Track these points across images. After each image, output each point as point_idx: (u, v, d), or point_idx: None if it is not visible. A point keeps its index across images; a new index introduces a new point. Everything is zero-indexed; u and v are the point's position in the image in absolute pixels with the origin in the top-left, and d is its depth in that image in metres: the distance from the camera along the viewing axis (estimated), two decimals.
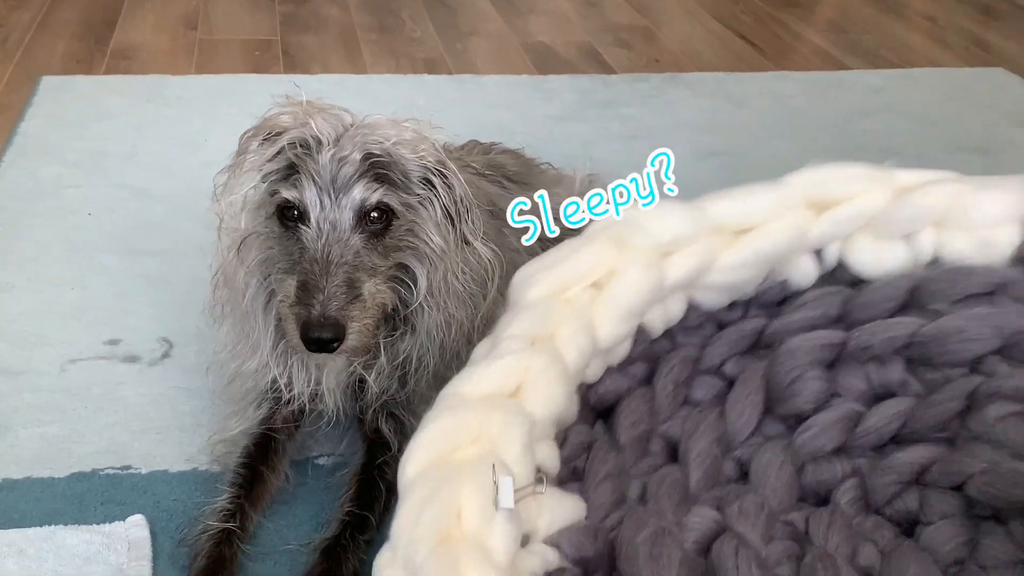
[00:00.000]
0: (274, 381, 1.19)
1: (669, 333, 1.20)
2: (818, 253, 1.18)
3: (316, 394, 1.20)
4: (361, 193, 1.07)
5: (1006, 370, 1.11)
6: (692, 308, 1.19)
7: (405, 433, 1.17)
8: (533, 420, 0.98)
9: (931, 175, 1.18)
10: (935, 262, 1.17)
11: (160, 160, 1.97)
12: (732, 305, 1.21)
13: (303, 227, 1.07)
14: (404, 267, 1.14)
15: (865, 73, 2.62)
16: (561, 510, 1.00)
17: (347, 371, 1.19)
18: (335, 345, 1.03)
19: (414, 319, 1.17)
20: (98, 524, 1.13)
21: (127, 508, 1.16)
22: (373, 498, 1.12)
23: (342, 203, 1.07)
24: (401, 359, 1.18)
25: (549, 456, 1.03)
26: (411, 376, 1.20)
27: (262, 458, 1.18)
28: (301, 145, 1.09)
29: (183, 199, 1.78)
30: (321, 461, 1.26)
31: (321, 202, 1.07)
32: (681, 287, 1.15)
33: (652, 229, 1.12)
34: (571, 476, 1.08)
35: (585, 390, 1.13)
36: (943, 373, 1.13)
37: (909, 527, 1.08)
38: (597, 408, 1.15)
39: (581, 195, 1.63)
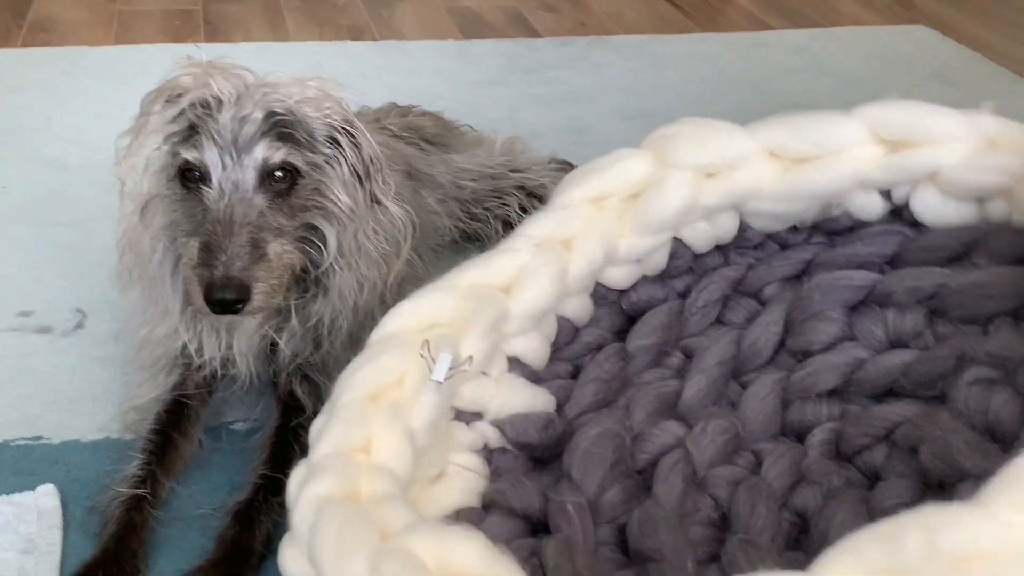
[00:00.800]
0: (184, 347, 1.18)
1: (723, 250, 1.22)
2: (887, 191, 1.17)
3: (228, 359, 1.19)
4: (263, 152, 1.06)
5: (1003, 334, 1.08)
6: (748, 228, 1.21)
7: (320, 396, 1.17)
8: (506, 311, 1.04)
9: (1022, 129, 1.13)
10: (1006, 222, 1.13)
11: (76, 131, 1.94)
12: (796, 228, 1.22)
13: (205, 188, 1.06)
14: (313, 228, 1.13)
15: (788, 33, 2.64)
16: (517, 398, 1.07)
17: (259, 334, 1.18)
18: (240, 306, 1.02)
19: (326, 280, 1.16)
20: (7, 495, 1.11)
21: (38, 478, 1.14)
22: (287, 460, 1.11)
23: (244, 163, 1.06)
24: (314, 321, 1.18)
25: (528, 349, 1.10)
26: (325, 338, 1.19)
27: (174, 424, 1.17)
28: (202, 105, 1.07)
29: (99, 170, 1.72)
30: (236, 426, 1.25)
31: (223, 162, 1.05)
32: (726, 208, 1.17)
33: (697, 148, 1.13)
34: (572, 373, 1.15)
35: (618, 296, 1.18)
36: (956, 328, 1.11)
37: (873, 481, 1.08)
38: (631, 315, 1.20)
39: (504, 156, 1.67)
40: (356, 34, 2.51)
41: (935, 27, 2.66)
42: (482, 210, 1.59)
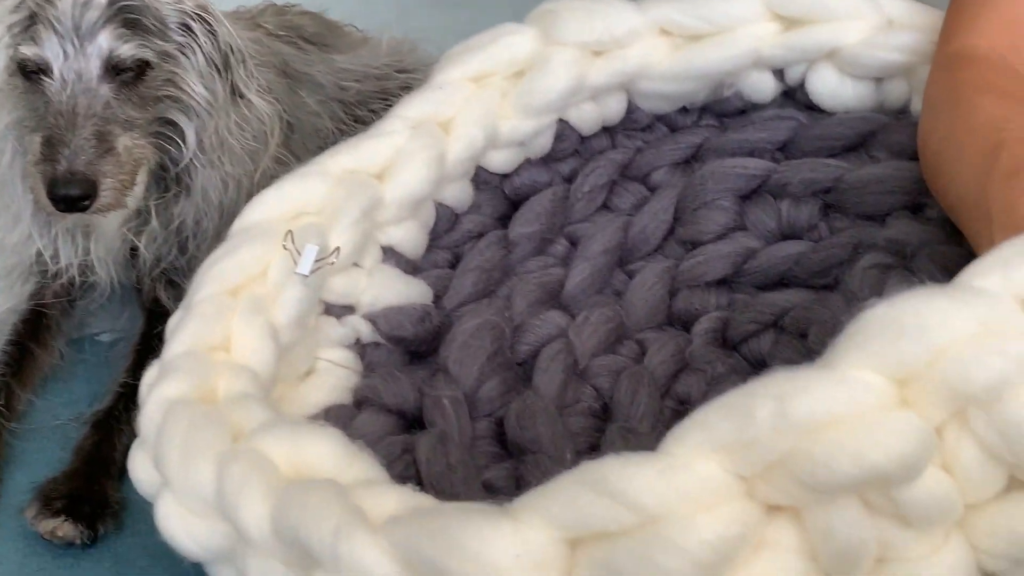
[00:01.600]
0: (39, 253, 1.12)
1: (610, 132, 1.18)
2: (780, 72, 1.14)
3: (86, 265, 1.13)
4: (108, 40, 1.00)
5: (901, 223, 1.05)
6: (637, 109, 1.17)
7: None
8: (380, 199, 1.00)
9: (925, 14, 1.10)
10: (904, 112, 1.12)
11: None
12: (686, 110, 1.18)
13: (47, 80, 1.00)
14: (170, 123, 1.08)
15: None
16: (391, 290, 1.03)
17: (118, 238, 1.13)
18: (86, 203, 0.97)
19: (187, 179, 1.11)
20: None
21: None
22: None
23: (87, 52, 1.00)
24: (176, 223, 1.13)
25: (404, 238, 1.05)
26: (189, 241, 1.14)
27: (32, 335, 1.12)
28: None
29: None
30: (102, 337, 1.20)
31: (64, 52, 0.99)
32: (615, 88, 1.13)
33: (584, 24, 1.09)
34: (451, 262, 1.11)
35: (500, 180, 1.14)
36: (852, 222, 1.08)
37: (759, 368, 1.05)
38: (514, 200, 1.15)
39: (390, 57, 1.61)
40: None
41: None
42: (367, 112, 1.52)
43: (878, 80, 1.11)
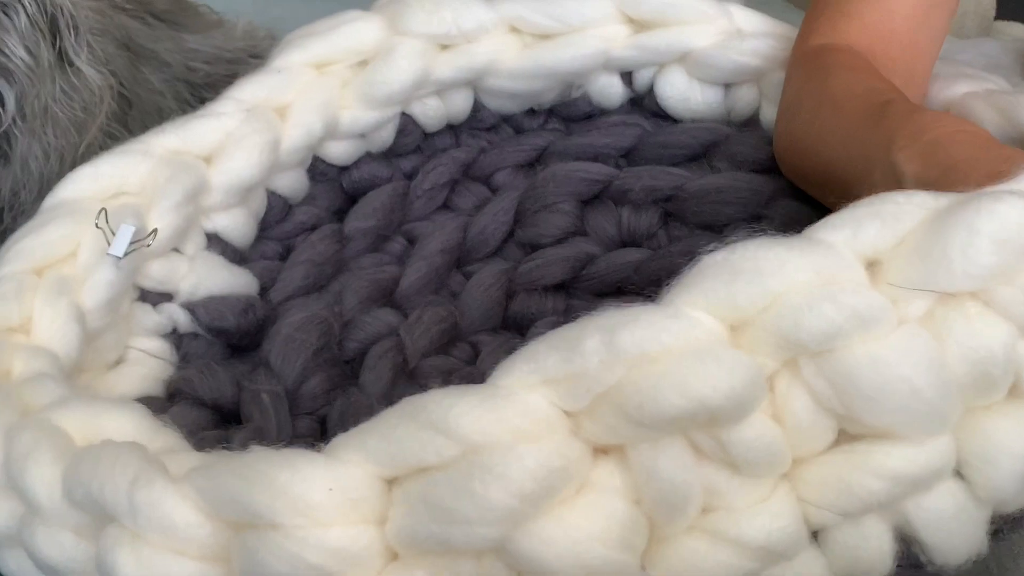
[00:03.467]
0: None
1: (454, 131, 1.16)
2: (630, 76, 1.13)
3: None
4: None
5: (739, 234, 1.03)
6: (483, 108, 1.14)
7: None
8: (206, 183, 0.96)
9: (774, 25, 1.11)
10: (751, 123, 1.11)
11: None
12: (533, 112, 1.17)
13: None
14: None
15: None
16: (214, 279, 0.99)
17: None
18: None
19: (6, 147, 1.04)
20: None
21: None
22: None
23: None
24: None
25: (231, 225, 1.01)
26: (6, 213, 1.08)
27: None
28: None
29: None
30: None
31: None
32: (461, 84, 1.11)
33: (432, 15, 1.06)
34: (282, 254, 1.08)
35: (338, 173, 1.11)
36: (691, 231, 1.07)
37: None
38: (351, 194, 1.12)
39: (244, 41, 1.56)
40: None
41: None
42: (215, 95, 1.46)
43: (727, 86, 1.12)
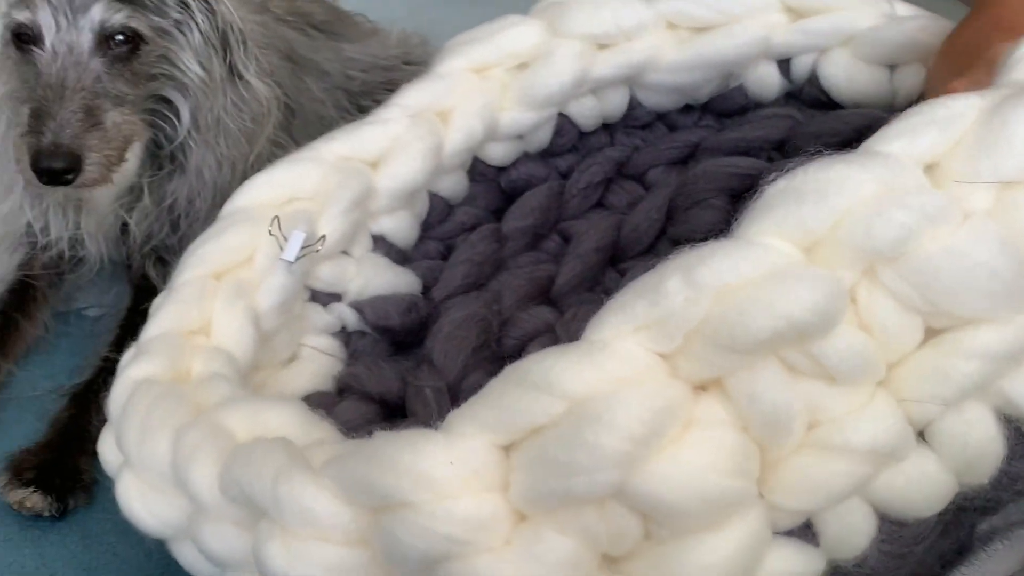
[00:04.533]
0: (29, 225, 1.11)
1: (609, 129, 1.17)
2: (787, 66, 1.12)
3: (76, 239, 1.13)
4: (101, 13, 0.99)
5: None
6: (639, 106, 1.15)
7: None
8: (373, 188, 0.99)
9: (927, 13, 1.09)
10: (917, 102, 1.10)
11: None
12: (688, 108, 1.17)
13: (38, 51, 0.99)
14: (166, 101, 1.07)
15: None
16: (380, 279, 1.02)
17: (110, 213, 1.12)
18: (70, 177, 0.96)
19: (181, 157, 1.10)
20: None
21: None
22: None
23: (80, 24, 0.99)
24: (169, 201, 1.12)
25: (396, 228, 1.04)
26: (182, 220, 1.13)
27: (17, 305, 1.11)
28: None
29: None
30: (89, 312, 1.19)
31: (56, 23, 0.99)
32: (619, 82, 1.12)
33: (591, 16, 1.07)
34: (443, 253, 1.10)
35: (496, 173, 1.13)
36: None
37: None
38: (509, 194, 1.14)
39: (398, 49, 1.61)
40: None
41: None
42: (372, 102, 1.51)
43: (893, 68, 1.09)
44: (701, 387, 0.57)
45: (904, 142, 0.61)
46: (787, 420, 0.56)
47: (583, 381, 0.55)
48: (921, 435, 0.60)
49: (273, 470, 0.60)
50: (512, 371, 0.58)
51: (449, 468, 0.55)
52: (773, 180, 0.61)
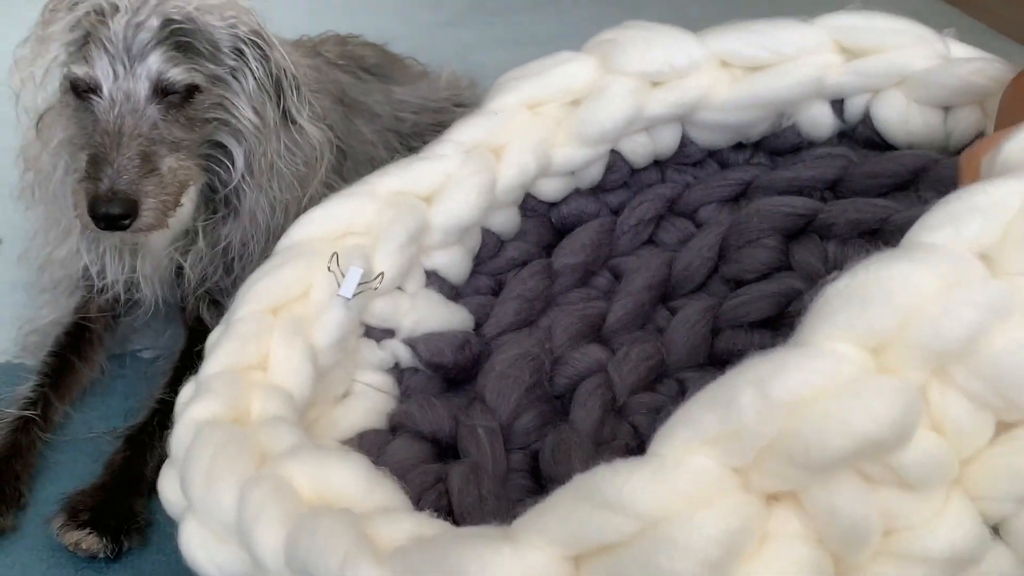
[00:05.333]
0: (86, 268, 1.13)
1: (661, 166, 1.17)
2: (840, 106, 1.12)
3: (132, 282, 1.14)
4: (157, 62, 1.01)
5: None
6: (691, 143, 1.15)
7: None
8: (427, 223, 0.99)
9: (987, 53, 1.09)
10: (972, 143, 1.07)
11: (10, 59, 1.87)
12: (740, 146, 1.17)
13: (96, 99, 1.01)
14: (220, 145, 1.08)
15: None
16: (433, 316, 1.02)
17: (165, 257, 1.13)
18: (127, 222, 0.98)
19: (235, 201, 1.11)
20: None
21: None
22: None
23: (137, 73, 1.01)
24: (223, 244, 1.13)
25: (449, 263, 1.04)
26: (235, 262, 1.14)
27: (73, 348, 1.12)
28: (97, 13, 1.03)
29: None
30: (144, 354, 1.20)
31: (114, 72, 1.01)
32: (671, 120, 1.12)
33: (644, 53, 1.08)
34: (494, 289, 1.10)
35: (548, 208, 1.13)
36: None
37: None
38: (560, 229, 1.15)
39: (448, 91, 1.62)
40: None
41: None
42: (423, 144, 1.50)
43: (947, 109, 1.08)
44: (774, 497, 0.56)
45: (950, 232, 0.60)
46: (864, 531, 0.55)
47: (656, 500, 0.54)
48: (995, 530, 0.58)
49: (340, 554, 0.60)
50: (582, 483, 0.57)
51: None
52: (833, 279, 0.60)
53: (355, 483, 0.70)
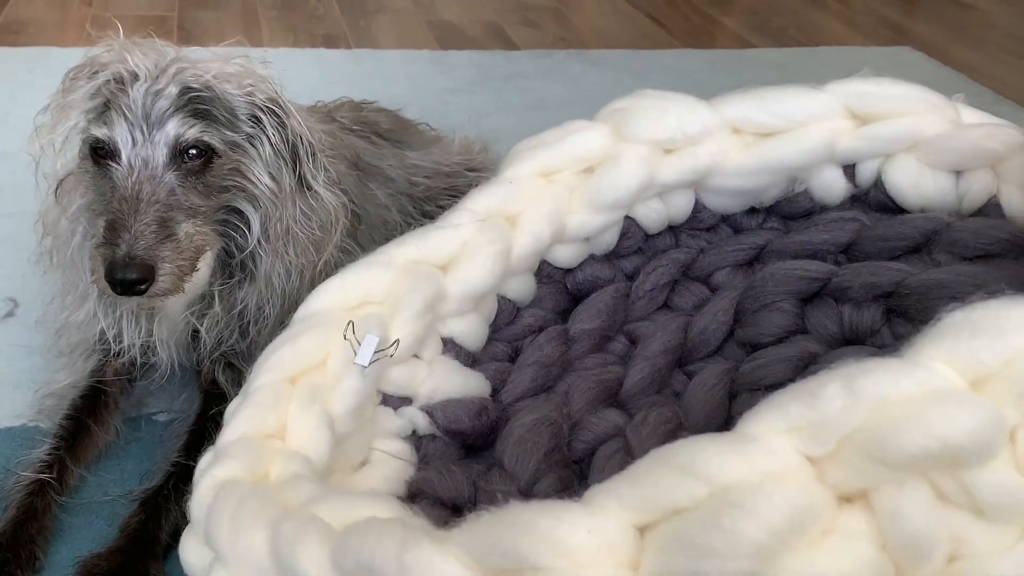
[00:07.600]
0: (103, 332, 1.13)
1: (674, 232, 1.18)
2: (852, 171, 1.14)
3: (148, 345, 1.14)
4: (176, 129, 1.02)
5: None
6: (704, 209, 1.16)
7: (243, 384, 1.11)
8: (443, 292, 1.00)
9: (998, 119, 1.11)
10: (983, 211, 1.10)
11: (32, 125, 1.89)
12: (753, 211, 1.18)
13: (114, 165, 1.02)
14: (236, 211, 1.09)
15: (769, 51, 2.60)
16: (450, 382, 1.02)
17: (181, 321, 1.13)
18: (143, 287, 0.98)
19: (251, 266, 1.12)
20: None
21: None
22: (203, 449, 1.06)
23: (155, 139, 1.02)
24: (239, 308, 1.13)
25: (465, 331, 1.05)
26: (251, 326, 1.14)
27: (89, 411, 1.12)
28: (117, 81, 1.04)
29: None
30: (159, 417, 1.20)
31: (132, 138, 1.02)
32: (684, 186, 1.13)
33: (656, 121, 1.09)
34: (511, 355, 1.10)
35: (563, 275, 1.14)
36: (915, 327, 1.05)
37: None
38: (575, 295, 1.15)
39: (460, 156, 1.63)
40: (331, 43, 2.47)
41: (922, 49, 2.62)
42: (436, 208, 1.54)
43: (959, 173, 1.09)
44: (847, 499, 0.57)
45: None
46: (929, 545, 0.56)
47: (730, 469, 0.56)
48: None
49: (397, 541, 0.61)
50: (658, 453, 0.59)
51: (586, 537, 0.56)
52: (951, 309, 0.61)
53: (386, 516, 0.70)
